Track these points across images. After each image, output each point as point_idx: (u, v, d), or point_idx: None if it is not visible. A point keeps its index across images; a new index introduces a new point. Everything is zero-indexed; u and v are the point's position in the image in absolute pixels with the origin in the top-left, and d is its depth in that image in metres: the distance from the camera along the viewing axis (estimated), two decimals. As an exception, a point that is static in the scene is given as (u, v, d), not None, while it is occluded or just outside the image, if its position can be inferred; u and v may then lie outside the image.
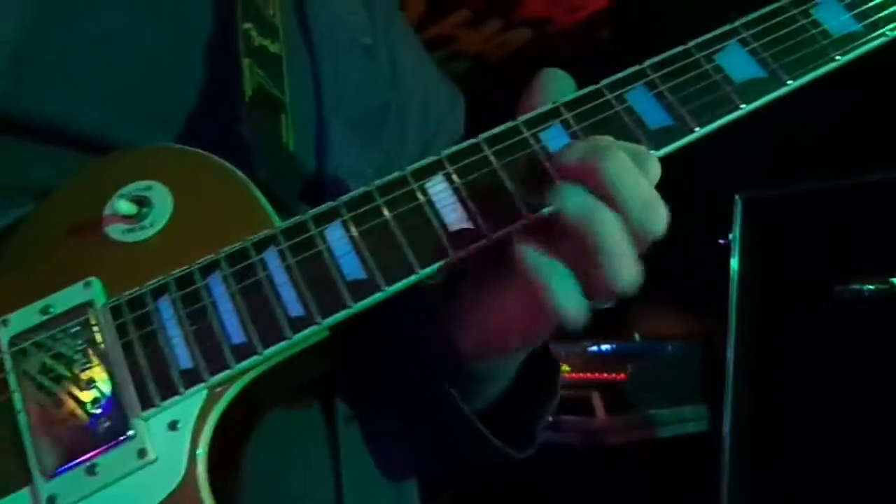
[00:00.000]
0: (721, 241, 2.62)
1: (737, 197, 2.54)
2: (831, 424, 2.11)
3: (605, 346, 2.90)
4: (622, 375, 2.52)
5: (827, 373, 2.17)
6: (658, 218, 0.49)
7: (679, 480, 2.45)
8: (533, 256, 0.48)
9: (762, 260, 2.53)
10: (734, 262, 2.51)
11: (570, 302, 0.48)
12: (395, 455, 0.70)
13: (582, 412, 2.40)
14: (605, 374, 2.59)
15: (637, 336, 2.97)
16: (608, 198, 0.48)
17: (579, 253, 0.48)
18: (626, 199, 0.48)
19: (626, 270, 0.48)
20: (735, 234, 2.55)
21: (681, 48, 0.59)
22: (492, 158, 0.54)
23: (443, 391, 0.62)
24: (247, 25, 0.70)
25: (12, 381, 0.48)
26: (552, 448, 2.39)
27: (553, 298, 0.48)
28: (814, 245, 2.34)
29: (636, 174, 0.49)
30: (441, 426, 0.65)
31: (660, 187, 0.52)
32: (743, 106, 0.56)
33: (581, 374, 2.72)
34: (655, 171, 0.52)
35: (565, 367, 2.80)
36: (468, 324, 0.58)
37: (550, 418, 2.16)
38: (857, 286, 2.14)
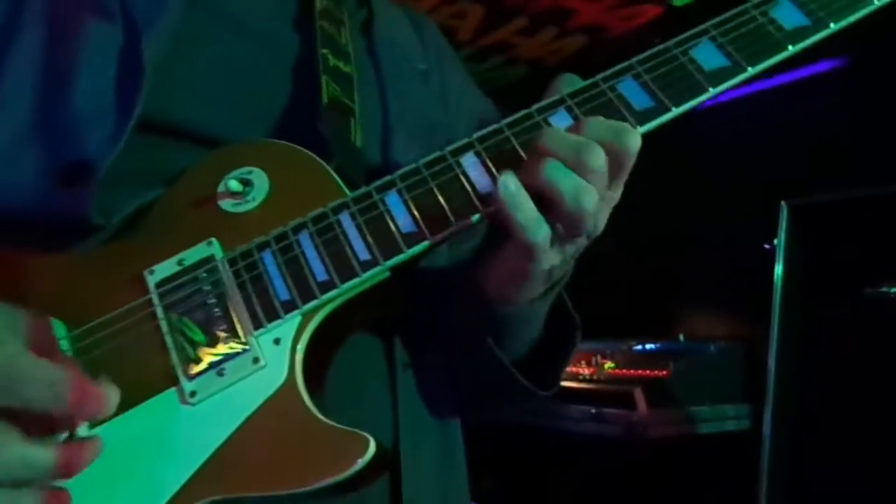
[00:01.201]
0: (767, 247, 2.69)
1: (782, 203, 2.61)
2: (870, 426, 2.16)
3: (649, 346, 3.00)
4: (664, 372, 2.61)
5: (865, 375, 2.22)
6: (595, 156, 0.65)
7: (717, 475, 2.52)
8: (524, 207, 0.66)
9: (805, 265, 2.58)
10: (778, 268, 2.58)
11: (539, 235, 0.65)
12: (442, 397, 0.84)
13: (624, 406, 2.50)
14: (648, 371, 2.68)
15: (681, 336, 3.05)
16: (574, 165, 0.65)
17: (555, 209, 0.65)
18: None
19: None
20: (780, 240, 2.61)
21: (661, 46, 0.74)
22: (511, 137, 0.69)
23: (480, 338, 0.77)
24: (324, 51, 0.87)
25: (160, 311, 0.64)
26: (595, 439, 2.51)
27: (529, 235, 0.65)
28: (857, 251, 2.39)
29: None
30: (479, 368, 0.80)
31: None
32: (711, 89, 0.71)
33: (625, 371, 2.82)
34: (635, 141, 0.67)
35: (609, 364, 2.90)
36: (489, 272, 0.73)
37: (594, 410, 2.27)
38: (885, 289, 2.20)
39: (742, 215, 2.97)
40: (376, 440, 0.62)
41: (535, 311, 0.77)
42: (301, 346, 0.63)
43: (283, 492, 0.61)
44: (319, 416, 0.63)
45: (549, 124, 0.70)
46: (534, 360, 0.81)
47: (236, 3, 0.87)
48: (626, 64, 0.73)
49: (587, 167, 0.65)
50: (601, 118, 0.68)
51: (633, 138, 0.67)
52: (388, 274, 0.65)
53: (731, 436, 2.59)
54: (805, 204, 2.62)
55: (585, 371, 2.93)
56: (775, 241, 2.63)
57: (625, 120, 0.69)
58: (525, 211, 0.64)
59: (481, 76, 4.05)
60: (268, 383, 0.62)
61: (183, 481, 0.60)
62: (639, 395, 2.49)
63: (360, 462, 0.61)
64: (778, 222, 2.63)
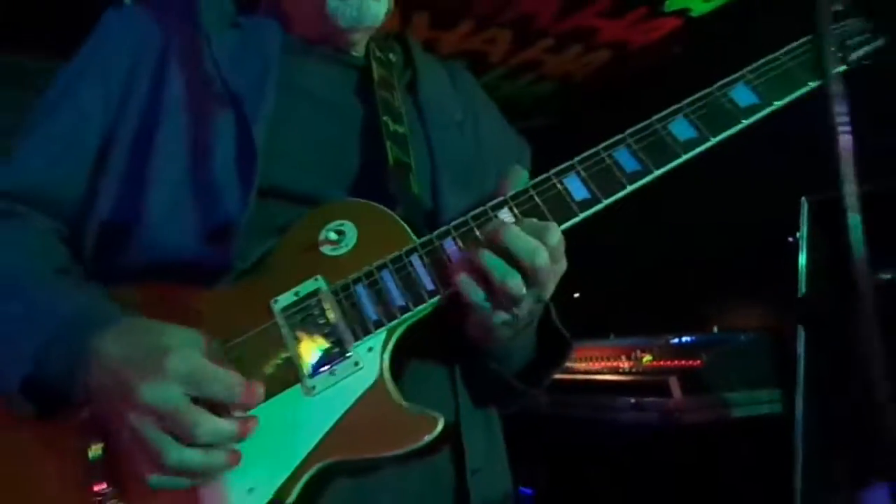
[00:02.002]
0: (791, 240, 2.88)
1: (803, 199, 2.80)
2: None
3: (685, 338, 3.18)
4: (698, 362, 2.80)
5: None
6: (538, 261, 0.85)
7: (754, 456, 2.69)
8: (466, 282, 0.87)
9: (826, 256, 2.77)
10: (801, 258, 2.76)
11: (484, 305, 0.87)
12: (481, 395, 1.08)
13: (661, 395, 2.70)
14: (683, 362, 2.88)
15: (715, 329, 3.24)
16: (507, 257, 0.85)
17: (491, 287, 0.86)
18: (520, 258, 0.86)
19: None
20: (802, 233, 2.80)
21: (633, 132, 0.97)
22: (474, 228, 0.93)
23: (485, 364, 1.01)
24: (385, 118, 1.11)
25: (285, 330, 0.90)
26: (633, 426, 2.71)
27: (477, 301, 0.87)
28: (873, 241, 2.55)
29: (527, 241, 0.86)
30: (491, 380, 1.04)
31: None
32: (683, 155, 0.94)
33: (662, 362, 3.01)
34: (555, 237, 0.87)
35: (647, 357, 3.10)
36: (465, 326, 0.95)
37: (633, 400, 2.48)
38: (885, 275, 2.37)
39: (771, 212, 3.15)
40: (444, 419, 0.86)
41: (514, 347, 1.00)
42: (387, 354, 0.89)
43: (380, 455, 0.86)
44: (403, 402, 0.88)
45: (496, 217, 0.92)
46: (529, 371, 1.06)
47: (312, 81, 1.13)
48: (567, 164, 0.95)
49: (515, 261, 0.85)
50: (533, 220, 0.89)
51: (554, 235, 0.87)
52: (444, 301, 0.90)
53: (766, 419, 2.76)
54: (823, 199, 2.80)
55: (625, 365, 3.14)
56: (798, 235, 2.82)
57: (567, 207, 0.92)
58: (473, 293, 0.87)
59: (515, 93, 4.28)
60: (365, 380, 0.88)
61: (309, 449, 0.86)
62: (674, 383, 2.68)
63: (433, 434, 0.86)
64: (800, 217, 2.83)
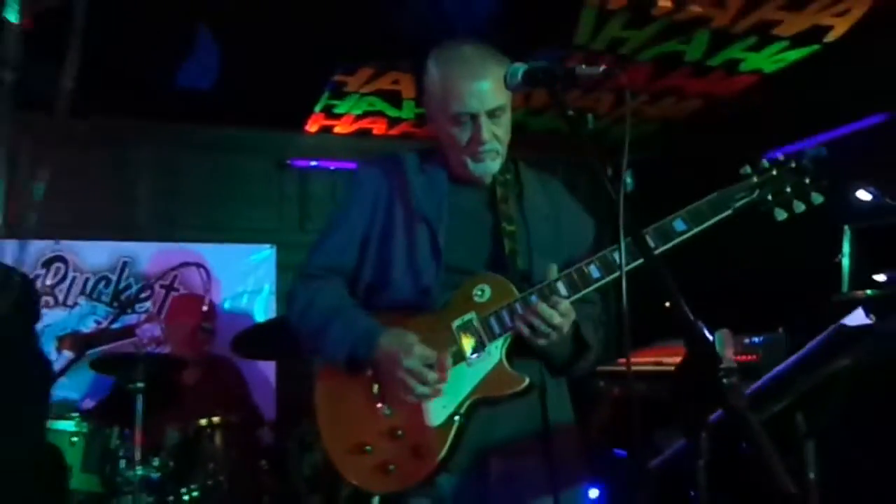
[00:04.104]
0: (836, 260, 3.68)
1: (845, 227, 3.60)
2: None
3: (755, 339, 3.97)
4: (754, 357, 3.62)
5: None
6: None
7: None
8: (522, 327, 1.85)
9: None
10: (844, 264, 3.57)
11: (529, 335, 1.85)
12: (551, 371, 2.08)
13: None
14: (744, 357, 3.70)
15: (780, 330, 4.00)
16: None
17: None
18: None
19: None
20: (844, 254, 3.60)
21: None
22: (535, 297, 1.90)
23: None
24: (503, 225, 2.11)
25: (458, 337, 1.93)
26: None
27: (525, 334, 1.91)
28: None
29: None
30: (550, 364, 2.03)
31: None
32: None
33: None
34: (566, 307, 1.80)
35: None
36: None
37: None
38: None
39: (824, 239, 3.91)
40: (530, 379, 1.89)
41: (552, 351, 1.92)
42: (504, 349, 1.90)
43: (501, 394, 1.89)
44: (511, 370, 1.91)
45: (556, 285, 1.88)
46: (570, 361, 2.02)
47: (464, 202, 2.12)
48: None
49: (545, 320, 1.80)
50: (556, 298, 1.82)
51: (565, 307, 1.80)
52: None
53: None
54: (861, 228, 3.59)
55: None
56: (839, 257, 3.63)
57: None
58: (525, 331, 1.81)
59: (622, 132, 5.17)
60: (494, 360, 1.90)
61: (469, 390, 1.90)
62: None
63: (524, 384, 1.87)
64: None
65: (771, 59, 4.14)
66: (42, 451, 2.38)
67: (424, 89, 2.06)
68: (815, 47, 3.98)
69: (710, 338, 1.21)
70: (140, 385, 3.12)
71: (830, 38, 3.86)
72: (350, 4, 3.41)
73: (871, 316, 1.67)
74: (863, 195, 3.07)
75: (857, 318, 1.69)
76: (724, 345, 1.13)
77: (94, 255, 4.85)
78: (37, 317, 2.51)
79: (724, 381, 1.13)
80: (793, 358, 1.70)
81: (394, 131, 5.25)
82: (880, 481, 2.42)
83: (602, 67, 1.45)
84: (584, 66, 1.49)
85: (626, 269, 1.47)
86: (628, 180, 1.60)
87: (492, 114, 1.93)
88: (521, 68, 1.69)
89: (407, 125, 5.10)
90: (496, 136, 1.96)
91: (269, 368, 4.92)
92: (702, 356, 1.16)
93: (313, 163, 5.34)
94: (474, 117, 1.92)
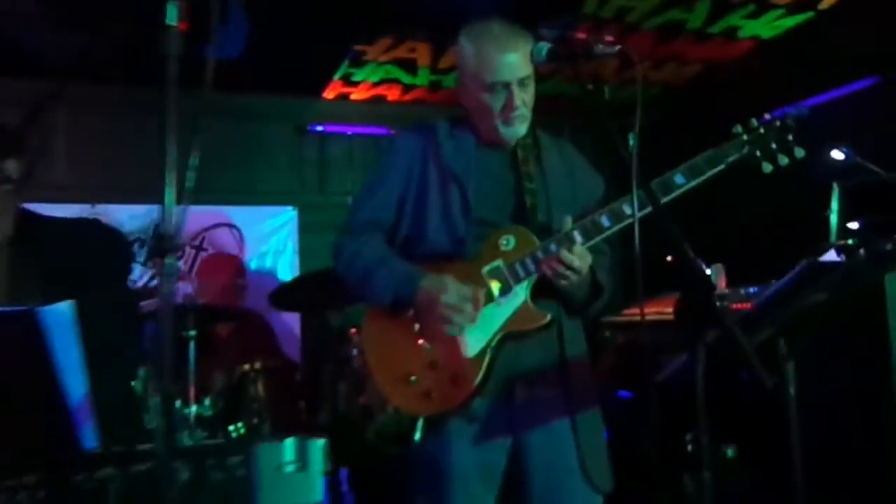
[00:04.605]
0: (825, 215, 3.96)
1: (834, 184, 3.88)
2: None
3: (752, 289, 4.28)
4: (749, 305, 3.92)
5: None
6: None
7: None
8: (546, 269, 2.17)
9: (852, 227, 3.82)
10: (832, 219, 3.86)
11: (552, 277, 2.20)
12: (569, 309, 2.39)
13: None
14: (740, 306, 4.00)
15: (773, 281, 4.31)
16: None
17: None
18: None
19: None
20: (832, 209, 3.89)
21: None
22: (556, 245, 2.20)
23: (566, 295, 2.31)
24: (525, 183, 2.40)
25: (487, 279, 2.21)
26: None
27: (549, 276, 2.21)
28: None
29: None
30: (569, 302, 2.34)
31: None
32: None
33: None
34: (581, 251, 2.07)
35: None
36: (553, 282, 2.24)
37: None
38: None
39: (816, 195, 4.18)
40: (551, 315, 2.19)
41: (573, 291, 2.21)
42: (528, 289, 2.18)
43: (526, 328, 2.19)
44: (534, 307, 2.20)
45: (573, 234, 2.16)
46: (587, 302, 2.32)
47: (490, 163, 2.39)
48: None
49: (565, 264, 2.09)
50: (577, 247, 2.12)
51: (581, 251, 2.11)
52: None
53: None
54: (849, 185, 3.87)
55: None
56: (828, 212, 3.91)
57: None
58: (550, 273, 2.11)
59: (625, 95, 5.41)
60: (519, 299, 2.19)
61: (499, 325, 2.19)
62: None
63: (546, 319, 2.17)
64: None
65: (768, 26, 4.38)
66: (133, 391, 2.70)
67: (458, 63, 2.32)
68: (810, 14, 4.21)
69: (707, 270, 1.49)
70: (193, 333, 3.44)
71: (824, 5, 4.10)
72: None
73: (841, 255, 1.95)
74: (836, 154, 3.35)
75: (830, 257, 1.97)
76: (718, 275, 1.41)
77: (129, 217, 5.13)
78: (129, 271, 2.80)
79: (717, 304, 1.42)
80: (774, 286, 1.98)
81: (407, 97, 5.49)
82: (847, 395, 2.73)
83: (617, 47, 1.71)
84: (601, 46, 1.76)
85: (637, 215, 1.75)
86: (632, 142, 1.86)
87: (521, 82, 2.17)
88: (545, 47, 1.97)
89: (420, 91, 5.34)
90: (525, 102, 2.21)
91: (293, 320, 5.25)
92: (699, 284, 1.44)
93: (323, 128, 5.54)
94: (506, 85, 2.16)
